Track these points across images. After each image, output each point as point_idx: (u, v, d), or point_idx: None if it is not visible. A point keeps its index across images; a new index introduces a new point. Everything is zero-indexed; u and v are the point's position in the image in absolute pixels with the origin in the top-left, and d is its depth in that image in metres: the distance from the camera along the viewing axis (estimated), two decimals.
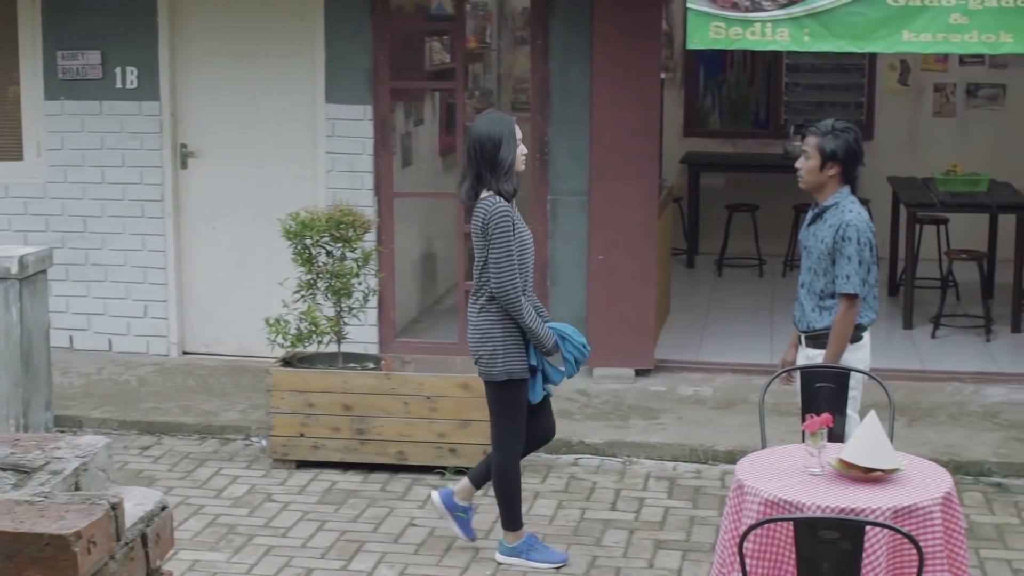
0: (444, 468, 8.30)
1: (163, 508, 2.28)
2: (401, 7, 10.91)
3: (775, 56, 14.32)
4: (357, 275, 8.42)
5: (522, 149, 6.86)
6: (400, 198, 10.33)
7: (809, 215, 6.84)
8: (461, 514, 7.26)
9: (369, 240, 9.04)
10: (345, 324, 8.46)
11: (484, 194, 6.76)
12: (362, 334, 9.86)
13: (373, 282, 8.93)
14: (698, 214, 14.20)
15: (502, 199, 6.72)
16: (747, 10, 8.57)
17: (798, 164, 6.78)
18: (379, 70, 10.06)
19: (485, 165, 6.76)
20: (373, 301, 9.44)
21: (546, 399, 7.07)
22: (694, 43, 8.76)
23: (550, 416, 7.14)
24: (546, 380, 6.91)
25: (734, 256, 13.87)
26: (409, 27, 11.18)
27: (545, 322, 6.90)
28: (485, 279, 6.76)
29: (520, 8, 13.74)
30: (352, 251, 8.40)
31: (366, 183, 10.14)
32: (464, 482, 7.25)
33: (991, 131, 14.06)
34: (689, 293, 12.62)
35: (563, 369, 6.93)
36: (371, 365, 8.59)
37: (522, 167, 6.90)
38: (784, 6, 8.51)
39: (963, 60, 14.08)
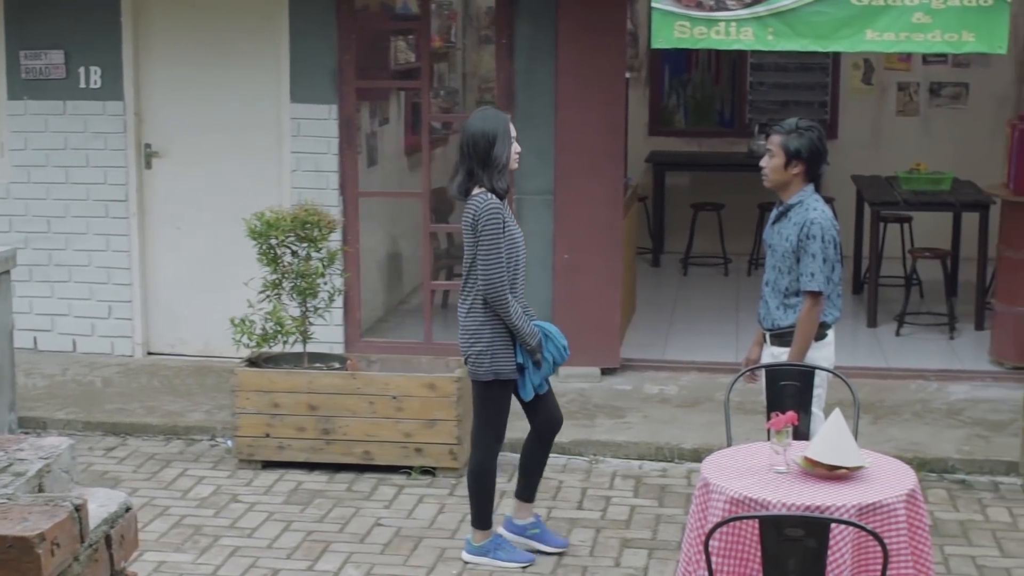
0: (410, 468, 8.29)
1: (127, 509, 2.27)
2: (366, 6, 10.90)
3: (740, 55, 14.37)
4: (322, 275, 8.40)
5: (516, 148, 6.86)
6: (365, 198, 10.32)
7: (774, 213, 6.86)
8: (534, 530, 7.20)
9: (334, 240, 9.02)
10: (310, 324, 8.44)
11: (476, 191, 6.75)
12: (328, 334, 9.84)
13: (339, 282, 8.91)
14: (663, 213, 14.23)
15: (494, 196, 6.71)
16: (711, 9, 8.59)
17: (763, 163, 6.80)
18: (344, 69, 10.04)
19: (478, 162, 6.74)
20: (339, 301, 9.42)
21: (549, 391, 7.06)
22: (659, 42, 8.78)
23: (555, 408, 7.12)
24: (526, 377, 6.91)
25: (699, 255, 13.91)
26: (374, 26, 11.17)
27: (531, 320, 6.90)
28: (474, 277, 6.76)
29: (485, 7, 13.74)
30: (317, 251, 8.39)
31: (331, 183, 10.12)
32: (515, 503, 7.22)
33: (954, 130, 14.13)
34: (654, 292, 12.65)
35: (541, 368, 6.94)
36: (337, 365, 8.58)
37: (516, 166, 6.90)
38: (748, 5, 8.54)
39: (926, 59, 14.14)
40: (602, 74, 9.70)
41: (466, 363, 6.90)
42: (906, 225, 12.21)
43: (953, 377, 9.97)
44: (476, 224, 6.68)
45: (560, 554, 7.16)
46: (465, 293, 6.84)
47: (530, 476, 7.19)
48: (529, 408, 7.02)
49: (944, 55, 13.76)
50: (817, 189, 6.85)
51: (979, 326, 11.18)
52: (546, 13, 9.82)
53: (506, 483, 8.14)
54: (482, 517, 7.08)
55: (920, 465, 8.11)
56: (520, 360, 6.82)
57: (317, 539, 7.41)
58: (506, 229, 6.70)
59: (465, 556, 7.12)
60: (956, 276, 11.76)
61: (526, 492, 7.20)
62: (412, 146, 11.86)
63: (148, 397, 9.56)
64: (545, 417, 7.07)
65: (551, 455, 8.47)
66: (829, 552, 4.92)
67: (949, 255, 11.57)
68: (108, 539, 2.20)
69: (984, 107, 14.05)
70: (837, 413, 5.62)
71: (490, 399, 6.89)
